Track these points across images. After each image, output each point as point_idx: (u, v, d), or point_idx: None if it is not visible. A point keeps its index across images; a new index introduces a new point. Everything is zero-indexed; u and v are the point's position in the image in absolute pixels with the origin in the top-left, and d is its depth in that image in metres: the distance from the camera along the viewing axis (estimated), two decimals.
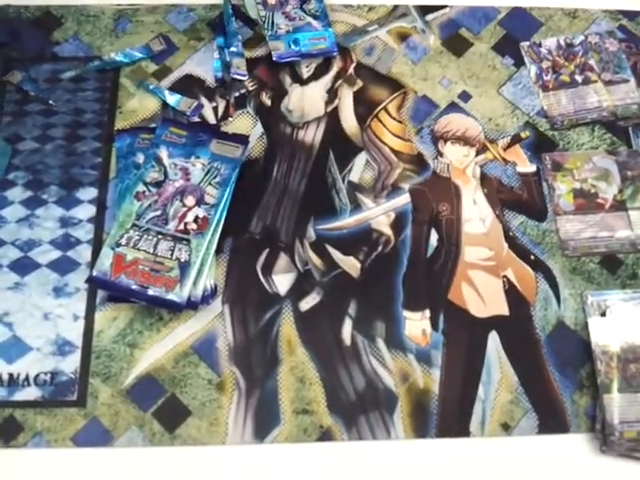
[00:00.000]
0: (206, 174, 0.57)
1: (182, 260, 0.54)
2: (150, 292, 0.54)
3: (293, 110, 0.63)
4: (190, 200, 0.56)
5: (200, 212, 0.56)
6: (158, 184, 0.57)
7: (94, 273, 0.54)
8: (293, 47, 0.65)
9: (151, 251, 0.55)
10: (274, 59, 0.65)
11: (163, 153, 0.58)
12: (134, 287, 0.54)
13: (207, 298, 0.55)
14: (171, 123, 0.60)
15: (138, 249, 0.55)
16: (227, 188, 0.57)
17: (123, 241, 0.55)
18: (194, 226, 0.55)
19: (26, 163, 0.61)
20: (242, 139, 0.60)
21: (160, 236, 0.55)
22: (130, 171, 0.59)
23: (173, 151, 0.58)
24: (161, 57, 0.66)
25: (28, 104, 0.63)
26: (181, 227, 0.55)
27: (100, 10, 0.68)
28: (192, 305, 0.55)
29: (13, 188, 0.60)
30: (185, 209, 0.56)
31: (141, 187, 0.57)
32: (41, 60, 0.65)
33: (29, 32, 0.66)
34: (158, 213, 0.56)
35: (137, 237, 0.55)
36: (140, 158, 0.59)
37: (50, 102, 0.63)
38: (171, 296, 0.54)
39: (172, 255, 0.54)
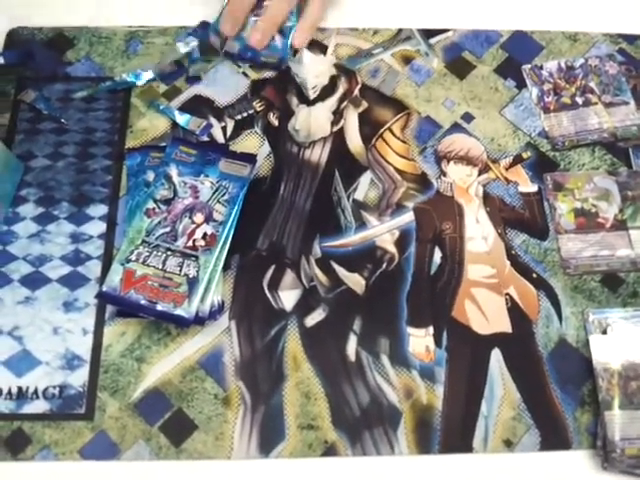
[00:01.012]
0: (214, 192, 0.58)
1: (190, 276, 0.55)
2: (159, 307, 0.54)
3: (300, 130, 0.65)
4: (199, 217, 0.57)
5: (208, 229, 0.57)
6: (167, 201, 0.58)
7: (104, 289, 0.55)
8: (247, 52, 0.67)
9: (160, 267, 0.56)
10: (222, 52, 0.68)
11: (173, 171, 0.59)
12: (143, 302, 0.54)
13: (214, 314, 0.56)
14: (181, 142, 0.62)
15: (147, 265, 0.56)
16: (235, 206, 0.58)
17: (133, 257, 0.56)
18: (202, 243, 0.56)
19: (38, 180, 0.62)
20: (250, 158, 0.61)
21: (169, 252, 0.56)
22: (140, 188, 0.60)
23: (183, 169, 0.60)
24: (171, 78, 0.68)
25: (41, 122, 0.65)
26: (190, 244, 0.56)
27: (112, 32, 0.70)
28: (199, 321, 0.55)
29: (25, 204, 0.61)
30: (194, 226, 0.57)
31: (151, 204, 0.58)
32: (54, 80, 0.67)
33: (43, 53, 0.68)
34: (167, 230, 0.57)
35: (147, 253, 0.56)
36: (150, 176, 0.60)
37: (62, 121, 0.65)
38: (179, 311, 0.54)
39: (181, 271, 0.55)
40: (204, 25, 0.69)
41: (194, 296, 0.55)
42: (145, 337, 0.56)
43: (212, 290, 0.56)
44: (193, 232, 0.57)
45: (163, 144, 0.63)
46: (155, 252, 0.56)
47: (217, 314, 0.56)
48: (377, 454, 0.53)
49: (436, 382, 0.55)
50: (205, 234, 0.57)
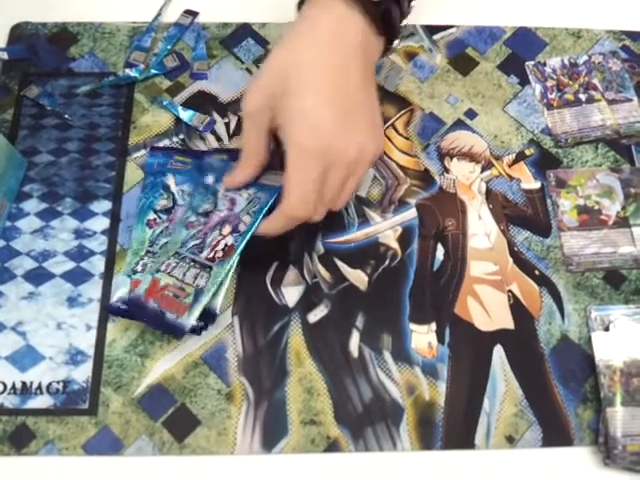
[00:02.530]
0: (248, 203, 0.57)
1: (199, 286, 0.55)
2: (166, 316, 0.54)
3: None
4: (227, 229, 0.56)
5: (230, 240, 0.56)
6: (168, 211, 0.59)
7: (112, 300, 0.55)
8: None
9: (180, 277, 0.55)
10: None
11: (170, 181, 0.60)
12: (156, 310, 0.54)
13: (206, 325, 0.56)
14: (175, 152, 0.62)
15: (171, 275, 0.55)
16: (260, 215, 0.56)
17: (139, 268, 0.56)
18: (221, 254, 0.56)
19: (42, 176, 0.62)
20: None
21: (192, 263, 0.56)
22: (157, 190, 0.60)
23: (179, 178, 0.60)
24: (174, 73, 0.68)
25: (44, 118, 0.65)
26: (211, 255, 0.56)
27: (115, 27, 0.70)
28: (194, 332, 0.55)
29: (29, 200, 0.61)
30: (220, 237, 0.56)
31: (152, 215, 0.59)
32: (58, 75, 0.67)
33: (46, 48, 0.68)
34: (198, 242, 0.56)
35: (174, 264, 0.56)
36: (169, 179, 0.61)
37: (66, 116, 0.65)
38: (180, 321, 0.54)
39: (194, 282, 0.55)
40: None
41: (196, 306, 0.54)
42: (148, 332, 0.57)
43: (220, 297, 0.55)
44: (218, 243, 0.56)
45: (194, 149, 0.64)
46: (182, 263, 0.56)
47: (210, 323, 0.56)
48: (379, 450, 0.53)
49: (438, 378, 0.56)
50: (225, 245, 0.56)
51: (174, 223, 0.58)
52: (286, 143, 0.52)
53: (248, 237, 0.56)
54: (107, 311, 0.56)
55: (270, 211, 0.56)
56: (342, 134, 0.51)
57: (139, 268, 0.56)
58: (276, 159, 0.56)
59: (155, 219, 0.59)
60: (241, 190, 0.58)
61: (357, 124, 0.53)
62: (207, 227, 0.57)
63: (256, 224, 0.56)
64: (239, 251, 0.56)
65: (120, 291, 0.55)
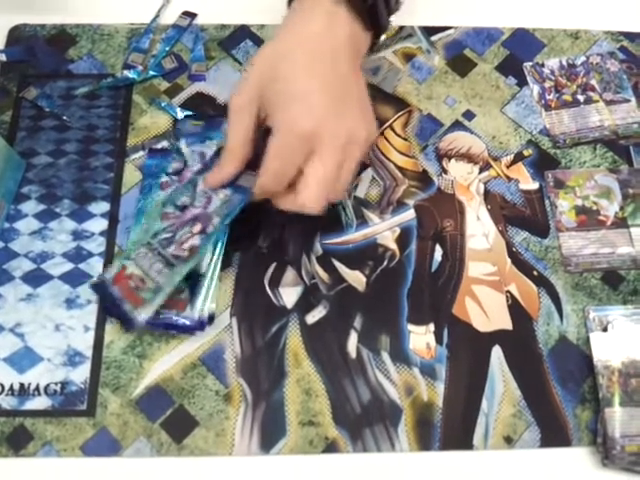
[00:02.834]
0: (221, 204, 0.57)
1: (159, 283, 0.54)
2: (123, 307, 0.54)
3: None
4: (197, 227, 0.56)
5: (197, 240, 0.55)
6: (179, 172, 0.59)
7: (105, 276, 0.56)
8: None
9: (146, 269, 0.55)
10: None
11: (182, 143, 0.61)
12: (117, 300, 0.54)
13: (203, 324, 0.56)
14: (190, 117, 0.63)
15: (137, 265, 0.55)
16: (226, 220, 0.56)
17: (133, 255, 0.56)
18: (186, 254, 0.55)
19: (40, 177, 0.62)
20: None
21: (159, 257, 0.55)
22: (155, 191, 0.60)
23: (189, 139, 0.61)
24: (173, 75, 0.68)
25: (43, 119, 0.65)
26: (176, 252, 0.55)
27: (114, 29, 0.70)
28: (201, 326, 0.56)
29: (27, 201, 0.61)
30: (189, 235, 0.56)
31: (164, 178, 0.60)
32: (56, 77, 0.67)
33: (45, 50, 0.68)
34: (169, 235, 0.56)
35: (143, 254, 0.56)
36: (182, 143, 0.61)
37: (64, 118, 0.65)
38: (182, 320, 0.55)
39: (156, 277, 0.54)
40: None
41: (196, 298, 0.55)
42: (146, 334, 0.57)
43: (210, 297, 0.56)
44: (185, 241, 0.56)
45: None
46: (150, 254, 0.55)
47: (206, 324, 0.56)
48: (378, 451, 0.53)
49: (437, 379, 0.56)
50: (192, 245, 0.55)
51: (183, 183, 0.58)
52: (275, 129, 0.52)
53: (211, 241, 0.56)
54: (91, 288, 0.57)
55: (239, 217, 0.56)
56: (332, 117, 0.51)
57: (133, 255, 0.56)
58: (259, 157, 0.55)
59: (167, 181, 0.59)
60: (219, 190, 0.58)
61: (347, 108, 0.53)
62: (180, 221, 0.57)
63: (221, 228, 0.56)
64: (200, 255, 0.55)
65: (108, 272, 0.56)
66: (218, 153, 0.58)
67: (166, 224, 0.57)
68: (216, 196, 0.57)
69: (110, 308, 0.55)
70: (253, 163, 0.55)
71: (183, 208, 0.57)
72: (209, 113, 0.65)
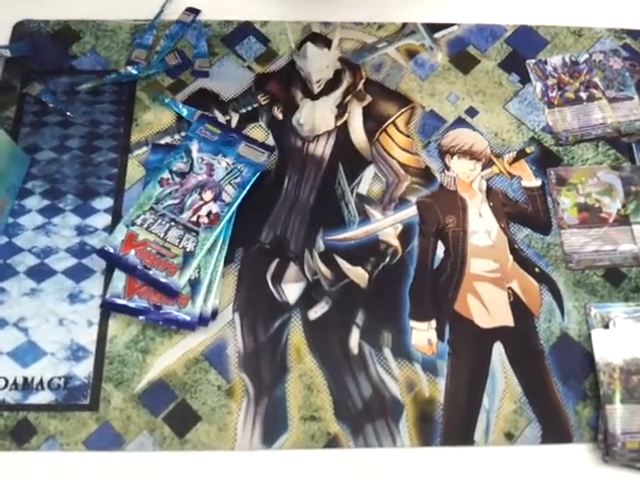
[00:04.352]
0: (228, 173, 0.60)
1: (187, 249, 0.56)
2: (151, 273, 0.55)
3: (304, 124, 0.65)
4: (208, 195, 0.58)
5: (215, 208, 0.58)
6: (182, 174, 0.59)
7: (105, 246, 0.57)
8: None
9: (162, 236, 0.57)
10: None
11: (194, 146, 0.61)
12: (139, 267, 0.55)
13: (207, 319, 0.56)
14: (208, 120, 0.63)
15: (150, 231, 0.57)
16: (243, 190, 0.59)
17: (138, 221, 0.57)
18: (206, 220, 0.57)
19: (44, 172, 0.63)
20: (269, 147, 0.63)
21: (173, 223, 0.57)
22: (153, 185, 0.60)
23: (203, 146, 0.61)
24: (176, 71, 0.68)
25: (46, 115, 0.65)
26: (194, 218, 0.57)
27: (117, 25, 0.70)
28: (203, 321, 0.56)
29: (31, 197, 0.61)
30: (201, 202, 0.58)
31: (166, 174, 0.60)
32: (60, 73, 0.67)
33: (48, 46, 0.68)
34: (176, 201, 0.58)
35: (152, 220, 0.57)
36: (194, 145, 0.62)
37: (68, 114, 0.65)
38: (182, 315, 0.55)
39: (179, 243, 0.56)
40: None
41: (197, 297, 0.55)
42: (149, 328, 0.57)
43: (213, 292, 0.56)
44: (199, 208, 0.58)
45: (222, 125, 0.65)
46: (160, 220, 0.57)
47: (209, 319, 0.56)
48: (379, 446, 0.53)
49: (438, 375, 0.56)
50: (210, 212, 0.58)
51: (184, 189, 0.59)
52: None
53: (234, 209, 0.58)
54: (100, 254, 0.57)
55: (250, 191, 0.59)
56: None
57: (138, 221, 0.57)
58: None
59: (168, 179, 0.60)
60: (217, 156, 0.60)
61: None
62: (184, 188, 0.58)
63: (240, 198, 0.58)
64: (224, 222, 0.58)
65: (115, 237, 0.57)
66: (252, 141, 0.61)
67: (168, 190, 0.58)
68: (218, 164, 0.59)
69: (137, 273, 0.56)
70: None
71: (181, 174, 0.59)
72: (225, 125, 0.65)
